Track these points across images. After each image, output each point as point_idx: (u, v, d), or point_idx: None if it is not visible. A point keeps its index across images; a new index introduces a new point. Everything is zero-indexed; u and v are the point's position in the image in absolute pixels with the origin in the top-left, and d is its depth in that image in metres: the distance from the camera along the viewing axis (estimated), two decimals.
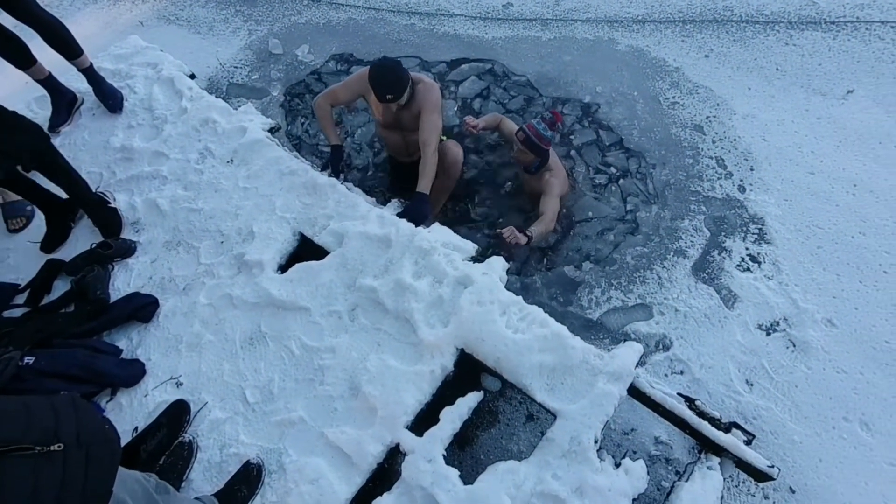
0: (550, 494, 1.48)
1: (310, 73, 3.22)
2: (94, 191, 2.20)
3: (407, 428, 1.64)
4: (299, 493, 1.54)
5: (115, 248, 2.07)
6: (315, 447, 1.64)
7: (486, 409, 2.08)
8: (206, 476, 1.64)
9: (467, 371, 1.83)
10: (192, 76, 2.72)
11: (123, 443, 1.63)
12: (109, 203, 2.25)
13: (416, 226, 2.01)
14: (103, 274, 2.02)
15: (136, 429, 1.70)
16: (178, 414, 1.70)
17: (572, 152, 2.77)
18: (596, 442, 1.55)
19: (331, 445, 1.63)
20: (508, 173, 2.76)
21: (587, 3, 3.32)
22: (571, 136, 2.80)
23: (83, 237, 2.21)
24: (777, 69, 2.89)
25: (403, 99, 2.22)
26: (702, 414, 1.68)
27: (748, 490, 1.86)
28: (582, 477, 1.49)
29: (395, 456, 1.66)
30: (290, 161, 2.27)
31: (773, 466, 1.56)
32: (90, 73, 2.52)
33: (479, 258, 1.99)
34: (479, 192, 2.72)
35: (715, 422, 1.68)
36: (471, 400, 1.69)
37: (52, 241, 2.16)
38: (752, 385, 2.04)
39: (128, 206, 2.26)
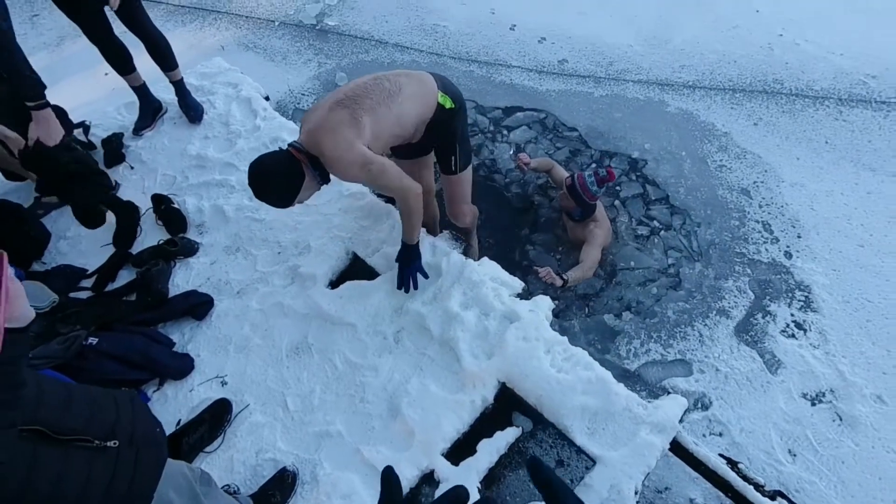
0: None
1: None
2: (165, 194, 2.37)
3: (443, 455, 1.64)
4: None
5: (180, 246, 2.19)
6: (350, 463, 1.65)
7: (515, 450, 2.05)
8: (239, 477, 1.66)
9: (503, 406, 1.83)
10: (267, 98, 2.92)
11: (167, 432, 1.68)
12: (174, 204, 2.39)
13: (404, 288, 1.92)
14: (166, 269, 2.13)
15: (179, 421, 1.74)
16: (220, 412, 1.75)
17: (616, 202, 2.82)
18: (636, 493, 1.52)
19: (366, 463, 1.64)
20: (556, 218, 2.82)
21: (639, 66, 3.46)
22: (618, 188, 2.86)
23: (151, 233, 2.34)
24: (826, 142, 2.93)
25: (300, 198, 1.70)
26: (745, 478, 1.64)
27: None
28: None
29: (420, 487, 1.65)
30: (349, 184, 2.39)
31: None
32: (179, 86, 2.74)
33: (524, 295, 2.03)
34: (532, 242, 2.76)
35: (759, 488, 1.63)
36: (509, 435, 1.69)
37: (121, 238, 2.29)
38: (794, 455, 1.97)
39: (196, 210, 2.39)
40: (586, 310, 2.46)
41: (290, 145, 1.66)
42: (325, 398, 1.80)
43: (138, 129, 2.78)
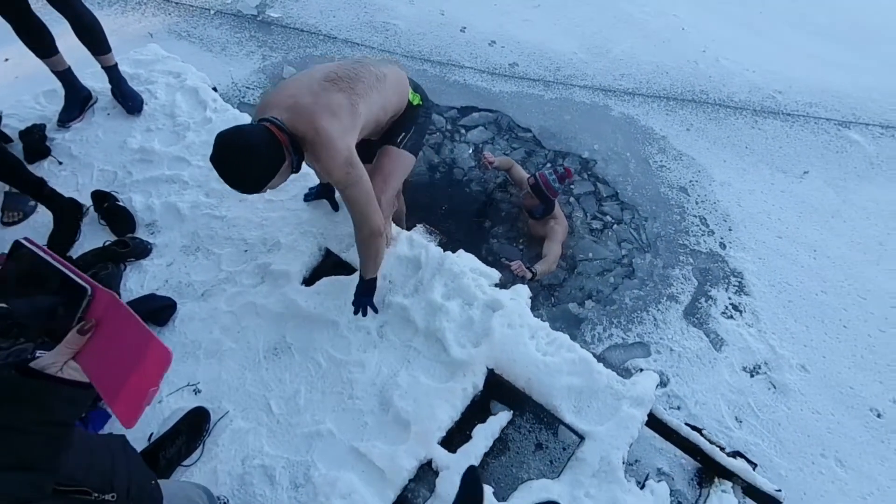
0: None
1: None
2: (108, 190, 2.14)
3: (439, 444, 1.65)
4: None
5: (131, 247, 2.00)
6: (346, 461, 1.60)
7: (496, 437, 2.10)
8: (225, 488, 1.54)
9: (489, 391, 1.87)
10: (215, 89, 2.74)
11: (140, 448, 1.53)
12: (119, 202, 2.18)
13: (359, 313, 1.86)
14: (117, 273, 1.94)
15: (150, 436, 1.59)
16: (197, 421, 1.62)
17: (571, 199, 2.99)
18: (623, 463, 1.63)
19: (362, 459, 1.60)
20: (519, 222, 2.92)
21: (584, 72, 3.69)
22: (572, 186, 3.03)
23: (92, 235, 2.11)
24: (746, 147, 3.31)
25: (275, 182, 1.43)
26: (711, 442, 1.81)
27: None
28: (613, 496, 1.55)
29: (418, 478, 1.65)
30: (316, 178, 2.31)
31: (779, 490, 1.69)
32: (113, 73, 2.49)
33: (500, 286, 2.09)
34: (494, 235, 2.84)
35: (721, 449, 1.80)
36: (502, 418, 1.74)
37: (59, 241, 2.04)
38: (741, 422, 2.21)
39: (144, 207, 2.19)
40: (552, 300, 2.57)
41: (266, 121, 1.38)
42: (311, 398, 1.73)
43: (64, 120, 2.47)
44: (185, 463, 1.56)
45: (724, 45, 3.96)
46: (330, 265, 2.13)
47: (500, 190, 3.00)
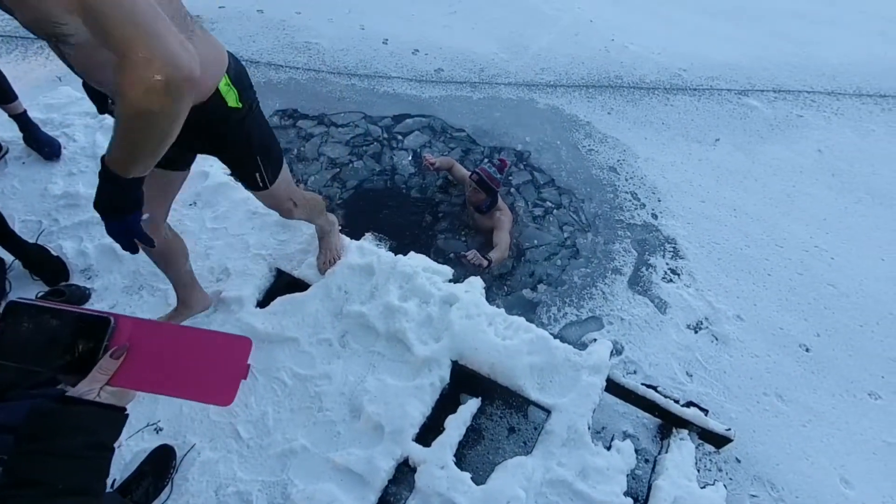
0: (559, 480, 1.60)
1: None
2: (33, 241, 2.04)
3: (413, 440, 1.68)
4: None
5: (67, 294, 1.91)
6: (322, 473, 1.60)
7: (470, 428, 2.14)
8: None
9: (457, 385, 1.93)
10: None
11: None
12: (51, 251, 2.08)
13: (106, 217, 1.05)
14: None
15: (113, 482, 1.53)
16: (162, 460, 1.57)
17: (512, 190, 3.11)
18: (589, 428, 1.73)
19: (338, 469, 1.61)
20: (464, 215, 3.00)
21: (507, 70, 3.86)
22: (510, 177, 3.16)
23: (23, 288, 1.99)
24: (662, 123, 3.57)
25: None
26: (666, 396, 1.94)
27: (705, 466, 2.12)
28: (583, 460, 1.64)
29: (397, 479, 1.67)
30: (258, 201, 2.30)
31: (729, 429, 1.84)
32: (23, 120, 2.38)
33: (454, 281, 2.15)
34: (438, 234, 2.90)
35: (676, 402, 1.94)
36: (472, 406, 1.79)
37: None
38: (691, 376, 2.37)
39: (76, 253, 2.10)
40: (505, 288, 2.67)
41: None
42: (279, 417, 1.72)
43: None
44: None
45: (629, 32, 4.26)
46: (283, 285, 2.12)
47: (441, 191, 3.08)
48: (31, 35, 3.69)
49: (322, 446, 1.66)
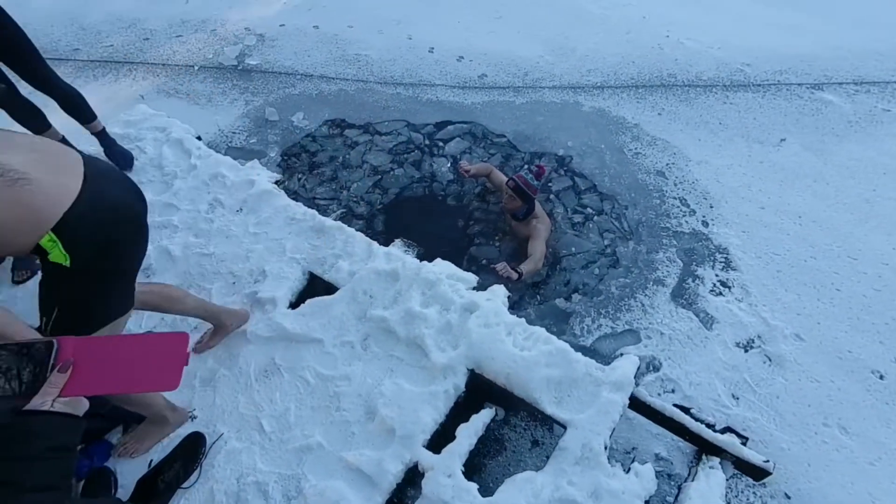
0: (568, 500, 1.55)
1: (305, 136, 3.48)
2: None
3: (424, 446, 1.70)
4: None
5: None
6: (334, 471, 1.66)
7: (492, 438, 2.13)
8: None
9: (475, 395, 1.92)
10: (199, 138, 2.92)
11: (139, 476, 1.63)
12: None
13: None
14: None
15: (150, 462, 1.69)
16: (193, 446, 1.71)
17: (551, 196, 3.04)
18: (606, 448, 1.65)
19: (350, 468, 1.66)
20: (500, 222, 2.98)
21: (551, 73, 3.78)
22: (550, 184, 3.09)
23: None
24: (720, 123, 3.33)
25: None
26: (698, 420, 1.81)
27: (747, 499, 1.95)
28: (596, 481, 1.57)
29: (408, 482, 1.70)
30: (297, 208, 2.43)
31: (767, 461, 1.68)
32: (103, 137, 2.68)
33: (480, 289, 2.15)
34: (473, 241, 2.91)
35: (711, 427, 1.80)
36: (484, 416, 1.78)
37: None
38: (737, 399, 2.19)
39: None
40: (538, 297, 2.61)
41: None
42: (300, 414, 1.81)
43: None
44: (183, 486, 1.64)
45: (686, 26, 4.02)
46: (315, 287, 2.22)
47: (478, 199, 3.07)
48: (122, 60, 4.15)
49: (336, 445, 1.72)
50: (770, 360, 2.30)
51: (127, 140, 2.87)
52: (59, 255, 1.09)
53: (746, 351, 2.33)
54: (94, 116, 2.59)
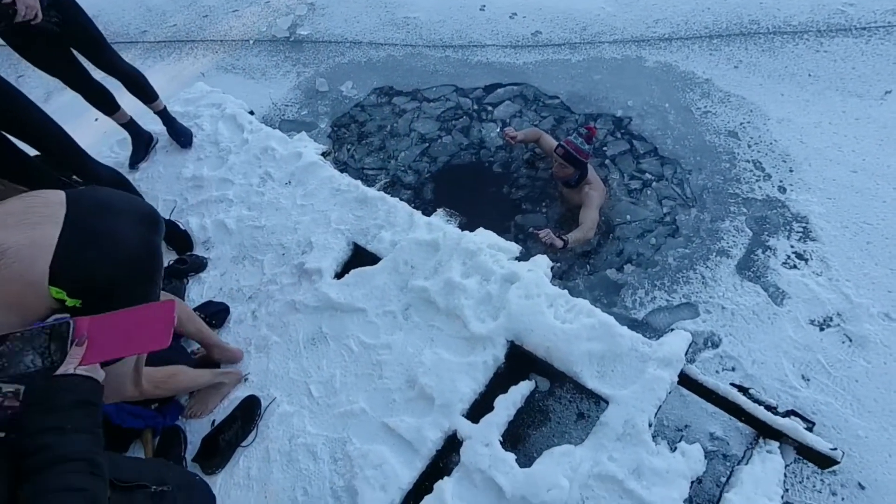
0: (608, 476, 1.51)
1: (354, 106, 3.49)
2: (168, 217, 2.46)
3: (463, 416, 1.71)
4: (364, 478, 1.62)
5: (189, 263, 2.28)
6: (377, 436, 1.72)
7: (536, 409, 2.11)
8: (276, 465, 1.74)
9: (516, 367, 1.89)
10: (252, 112, 3.01)
11: (203, 434, 1.78)
12: (180, 227, 2.49)
13: None
14: (180, 286, 2.23)
15: (213, 422, 1.84)
16: (250, 408, 1.84)
17: (606, 161, 2.86)
18: (650, 426, 1.58)
19: (392, 433, 1.71)
20: (549, 188, 2.86)
21: (613, 27, 3.49)
22: (605, 148, 2.90)
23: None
24: (809, 75, 2.94)
25: None
26: (757, 401, 1.68)
27: (814, 486, 1.81)
28: (638, 458, 1.52)
29: (450, 449, 1.73)
30: (341, 179, 2.46)
31: (835, 449, 1.54)
32: (164, 115, 2.84)
33: (523, 258, 2.09)
34: (520, 209, 2.82)
35: (772, 409, 1.67)
36: (524, 388, 1.76)
37: None
38: (808, 380, 2.01)
39: (199, 228, 2.49)
40: (588, 268, 2.50)
41: None
42: (345, 381, 1.88)
43: (133, 162, 2.87)
44: (243, 444, 1.78)
45: None
46: (359, 257, 2.26)
47: (527, 166, 2.95)
48: (184, 39, 4.33)
49: (379, 411, 1.78)
50: (850, 340, 2.07)
51: (186, 117, 3.02)
52: (71, 301, 1.11)
53: (822, 329, 2.12)
54: (156, 96, 2.73)
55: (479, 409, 1.75)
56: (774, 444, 1.60)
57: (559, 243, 2.34)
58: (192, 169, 2.73)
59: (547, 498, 1.48)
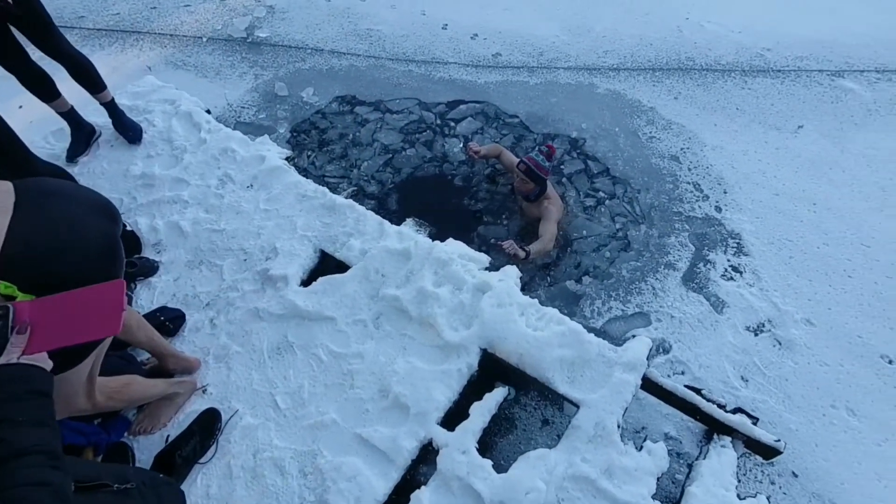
0: (581, 476, 1.57)
1: (315, 113, 3.44)
2: None
3: (438, 424, 1.71)
4: (338, 490, 1.57)
5: (138, 266, 2.13)
6: (350, 447, 1.68)
7: (502, 416, 2.14)
8: (240, 482, 1.64)
9: (488, 374, 1.92)
10: (208, 112, 2.88)
11: (158, 451, 1.65)
12: (126, 227, 2.31)
13: None
14: (127, 291, 2.06)
15: (167, 437, 1.70)
16: (209, 421, 1.73)
17: (563, 179, 3.01)
18: (619, 427, 1.66)
19: (365, 444, 1.68)
20: (509, 202, 2.95)
21: (567, 54, 3.71)
22: (562, 167, 3.06)
23: None
24: (737, 109, 3.28)
25: None
26: (710, 401, 1.82)
27: (756, 477, 1.97)
28: (609, 459, 1.59)
29: (422, 460, 1.72)
30: (307, 185, 2.41)
31: (779, 440, 1.70)
32: (111, 108, 2.65)
33: (491, 269, 2.14)
34: (482, 221, 2.88)
35: (722, 407, 1.82)
36: (498, 395, 1.79)
37: None
38: (747, 381, 2.20)
39: (149, 229, 2.33)
40: (548, 279, 2.61)
41: None
42: (314, 391, 1.82)
43: (72, 155, 2.64)
44: (201, 461, 1.66)
45: (706, 9, 3.93)
46: (326, 265, 2.22)
47: (488, 181, 3.04)
48: (128, 29, 4.07)
49: (351, 421, 1.74)
50: (780, 343, 2.30)
51: (135, 112, 2.83)
52: (23, 297, 0.98)
53: (756, 335, 2.34)
54: (104, 86, 2.55)
55: (453, 417, 1.76)
56: (727, 439, 1.74)
57: (522, 254, 2.43)
58: (142, 166, 2.55)
59: (525, 501, 1.51)
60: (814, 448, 2.00)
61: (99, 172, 2.59)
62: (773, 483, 1.94)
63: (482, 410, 1.73)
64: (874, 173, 2.87)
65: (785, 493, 1.93)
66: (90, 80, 2.50)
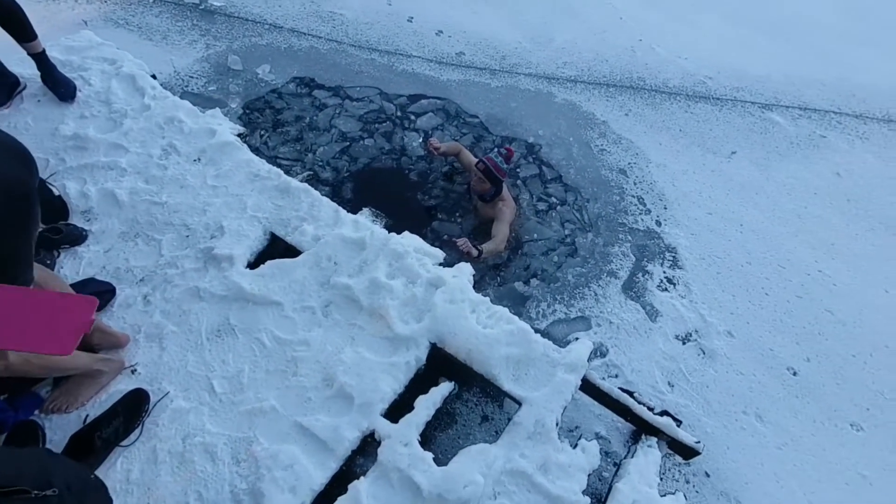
0: (518, 471, 1.62)
1: (270, 91, 3.30)
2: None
3: (382, 415, 1.70)
4: (272, 479, 1.53)
5: (64, 233, 1.95)
6: (288, 435, 1.63)
7: (443, 411, 2.16)
8: (165, 467, 1.55)
9: (433, 369, 1.94)
10: (154, 77, 2.69)
11: (74, 431, 1.52)
12: (53, 191, 2.12)
13: None
14: (49, 259, 1.89)
15: (85, 417, 1.58)
16: (136, 402, 1.62)
17: (518, 182, 3.09)
18: (557, 425, 1.73)
19: (305, 433, 1.64)
20: (464, 201, 2.99)
21: (528, 61, 3.80)
22: (518, 170, 3.13)
23: None
24: (680, 130, 3.50)
25: None
26: (641, 403, 1.94)
27: (673, 476, 2.12)
28: (546, 455, 1.65)
29: (360, 451, 1.70)
30: (261, 165, 2.32)
31: (699, 442, 1.84)
32: (41, 60, 2.40)
33: (444, 265, 2.15)
34: (436, 217, 2.90)
35: (650, 409, 1.94)
36: (443, 389, 1.81)
37: None
38: (672, 386, 2.36)
39: (79, 195, 2.14)
40: (498, 279, 2.66)
41: None
42: (254, 377, 1.75)
43: None
44: (123, 443, 1.56)
45: (659, 34, 4.16)
46: (276, 249, 2.14)
47: (445, 178, 3.05)
48: None
49: (291, 409, 1.69)
50: (704, 352, 2.49)
51: (69, 68, 2.59)
52: None
53: (684, 343, 2.51)
54: (34, 35, 2.30)
55: (396, 410, 1.76)
56: (653, 440, 1.86)
57: (475, 252, 2.47)
58: (74, 126, 2.34)
59: (463, 494, 1.54)
60: (725, 450, 2.18)
61: (23, 128, 2.35)
62: (688, 482, 2.09)
63: (427, 404, 1.74)
64: (793, 201, 3.17)
65: (697, 492, 2.09)
66: (18, 26, 2.25)
